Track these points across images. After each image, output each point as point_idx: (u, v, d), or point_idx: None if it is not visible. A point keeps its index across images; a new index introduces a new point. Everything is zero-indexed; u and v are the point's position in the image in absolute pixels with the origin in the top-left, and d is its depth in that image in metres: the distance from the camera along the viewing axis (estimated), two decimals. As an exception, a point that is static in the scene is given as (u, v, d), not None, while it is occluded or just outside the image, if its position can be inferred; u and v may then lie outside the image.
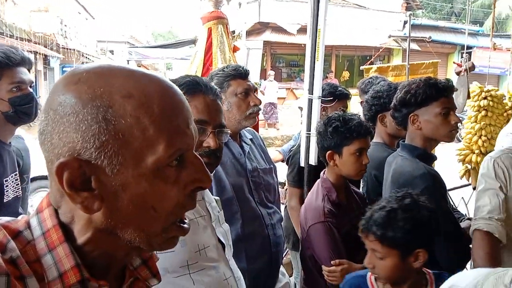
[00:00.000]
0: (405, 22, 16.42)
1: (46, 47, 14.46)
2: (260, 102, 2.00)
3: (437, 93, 1.85)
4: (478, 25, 20.64)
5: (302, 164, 2.39)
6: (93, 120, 0.59)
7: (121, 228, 0.63)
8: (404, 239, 1.41)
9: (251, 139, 2.14)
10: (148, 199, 0.62)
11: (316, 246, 1.85)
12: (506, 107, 3.92)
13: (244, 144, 2.06)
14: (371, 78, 2.98)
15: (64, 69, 18.02)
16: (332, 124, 1.89)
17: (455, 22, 20.68)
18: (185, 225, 0.68)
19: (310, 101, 2.32)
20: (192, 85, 1.34)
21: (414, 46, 14.61)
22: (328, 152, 1.90)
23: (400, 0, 18.38)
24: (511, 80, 4.70)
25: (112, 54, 23.00)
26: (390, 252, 1.43)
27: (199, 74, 2.35)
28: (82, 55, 18.43)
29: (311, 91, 2.31)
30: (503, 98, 3.93)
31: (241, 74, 1.98)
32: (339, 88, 2.72)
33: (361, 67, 4.50)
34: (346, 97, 2.76)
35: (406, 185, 1.81)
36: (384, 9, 16.26)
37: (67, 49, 16.42)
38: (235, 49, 2.50)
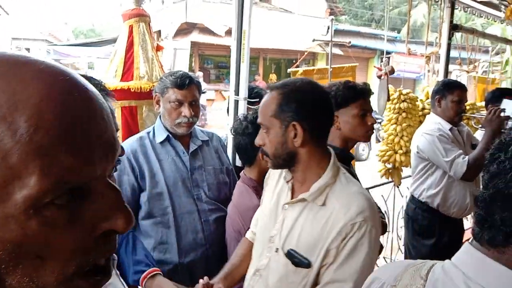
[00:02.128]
0: (329, 27, 17.00)
1: (-48, 43, 13.26)
2: (191, 115, 2.00)
3: (356, 95, 1.92)
4: (396, 31, 21.91)
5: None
6: None
7: (6, 273, 0.44)
8: None
9: (206, 141, 2.19)
10: (26, 246, 0.44)
11: None
12: (419, 109, 4.18)
13: (192, 144, 2.11)
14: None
15: (-27, 67, 16.62)
16: (250, 120, 1.92)
17: (375, 29, 21.77)
18: (98, 277, 0.50)
19: (236, 102, 2.31)
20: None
21: (337, 50, 15.15)
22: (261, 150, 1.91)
23: (324, 6, 19.06)
24: (426, 83, 5.00)
25: (29, 52, 21.59)
26: None
27: (119, 74, 2.25)
28: (-6, 53, 17.08)
29: (237, 92, 2.30)
30: (417, 100, 4.19)
31: (177, 83, 1.98)
32: (255, 90, 2.76)
33: (288, 70, 4.59)
34: (262, 98, 2.83)
35: None
36: (309, 14, 16.74)
37: (-24, 45, 15.17)
38: (158, 48, 2.41)
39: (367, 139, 2.00)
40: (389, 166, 4.20)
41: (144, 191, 1.95)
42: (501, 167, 0.66)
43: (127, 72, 2.24)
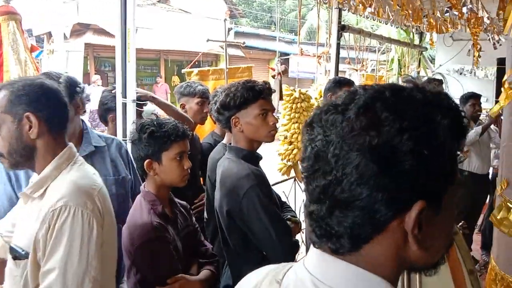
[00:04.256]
0: (229, 29, 17.19)
1: None
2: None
3: (255, 95, 1.89)
4: (293, 33, 22.72)
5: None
6: None
7: None
8: None
9: (102, 147, 2.02)
10: None
11: (148, 267, 1.68)
12: (314, 107, 4.38)
13: (80, 150, 1.93)
14: (188, 82, 3.00)
15: None
16: (147, 130, 1.77)
17: (274, 31, 22.38)
18: None
19: (124, 105, 2.19)
20: None
21: (238, 52, 15.36)
22: (147, 161, 1.77)
23: (224, 8, 19.16)
24: (319, 82, 5.21)
25: None
26: None
27: (-13, 77, 2.02)
28: None
29: (124, 95, 2.18)
30: (311, 98, 4.38)
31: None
32: (137, 94, 2.67)
33: (183, 71, 4.54)
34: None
35: (232, 186, 1.82)
36: (210, 16, 16.73)
37: None
38: (33, 49, 2.20)
39: (270, 139, 1.97)
40: (289, 163, 4.33)
41: None
42: (330, 177, 0.62)
43: (-3, 75, 2.02)
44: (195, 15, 16.37)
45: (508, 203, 1.94)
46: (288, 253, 1.82)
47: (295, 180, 4.55)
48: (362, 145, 0.59)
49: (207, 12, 16.68)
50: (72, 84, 1.91)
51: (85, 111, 2.01)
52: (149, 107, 2.33)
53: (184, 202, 2.05)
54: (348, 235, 0.63)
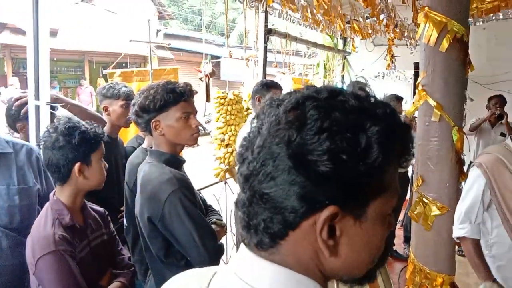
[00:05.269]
0: (158, 31, 16.89)
1: None
2: None
3: (176, 98, 1.83)
4: (224, 37, 22.76)
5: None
6: None
7: None
8: None
9: (8, 153, 1.87)
10: None
11: (49, 281, 1.58)
12: (244, 109, 4.39)
13: None
14: (111, 83, 2.85)
15: None
16: (77, 132, 1.68)
17: (204, 33, 22.29)
18: None
19: (37, 108, 2.05)
20: None
21: (168, 54, 15.12)
22: (78, 165, 1.68)
23: (153, 9, 18.77)
24: (248, 85, 5.24)
25: None
26: None
27: None
28: None
29: (37, 97, 2.04)
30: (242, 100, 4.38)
31: None
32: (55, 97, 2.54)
33: (104, 71, 4.37)
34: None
35: (154, 191, 1.75)
36: (137, 17, 16.31)
37: None
38: None
39: (193, 142, 1.92)
40: (226, 167, 4.30)
41: None
42: (251, 167, 0.63)
43: None
44: (122, 16, 15.88)
45: (424, 199, 2.05)
46: (213, 257, 1.78)
47: (225, 183, 4.54)
48: (282, 139, 0.60)
49: (135, 12, 16.25)
50: None
51: None
52: (63, 110, 2.19)
53: (100, 209, 1.95)
54: (262, 228, 0.63)
